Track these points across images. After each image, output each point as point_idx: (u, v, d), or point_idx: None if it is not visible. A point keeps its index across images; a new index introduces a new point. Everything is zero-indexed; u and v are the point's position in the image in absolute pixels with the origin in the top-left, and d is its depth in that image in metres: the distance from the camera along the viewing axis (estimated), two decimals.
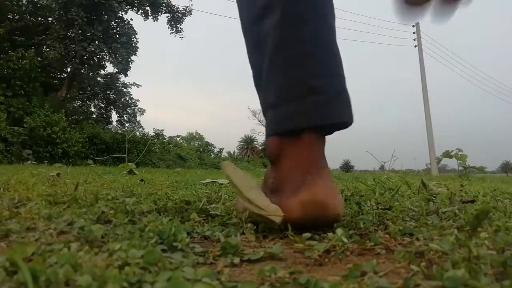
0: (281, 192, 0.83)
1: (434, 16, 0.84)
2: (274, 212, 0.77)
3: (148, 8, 16.06)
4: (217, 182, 2.39)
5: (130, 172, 3.64)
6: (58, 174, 2.46)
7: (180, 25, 16.63)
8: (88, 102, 21.33)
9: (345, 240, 0.69)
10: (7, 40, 14.34)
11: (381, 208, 1.10)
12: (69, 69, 15.75)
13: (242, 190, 0.80)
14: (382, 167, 3.15)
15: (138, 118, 23.44)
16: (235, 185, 0.83)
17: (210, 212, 1.01)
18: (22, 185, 1.79)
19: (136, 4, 15.79)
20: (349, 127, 0.92)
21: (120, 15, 15.48)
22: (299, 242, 0.71)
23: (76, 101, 19.74)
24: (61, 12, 13.90)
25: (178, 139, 37.81)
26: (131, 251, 0.54)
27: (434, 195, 1.45)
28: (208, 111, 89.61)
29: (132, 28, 16.02)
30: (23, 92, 12.72)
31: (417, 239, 0.73)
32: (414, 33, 21.12)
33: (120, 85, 21.71)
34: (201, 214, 0.99)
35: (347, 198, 1.38)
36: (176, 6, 16.35)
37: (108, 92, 21.54)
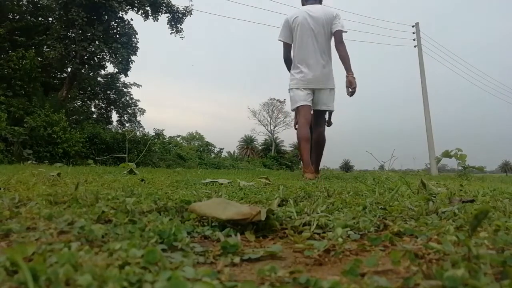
0: None
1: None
2: (253, 215, 0.81)
3: (148, 8, 16.03)
4: (217, 182, 2.39)
5: (131, 171, 3.63)
6: (58, 174, 2.46)
7: (180, 25, 16.60)
8: (88, 102, 21.31)
9: (346, 239, 0.69)
10: (7, 40, 14.32)
11: (381, 208, 1.10)
12: (69, 69, 15.71)
13: (218, 216, 0.83)
14: (381, 167, 3.15)
15: (139, 118, 23.47)
16: (210, 216, 0.86)
17: None
18: (23, 185, 1.80)
19: (136, 4, 15.75)
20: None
21: (121, 15, 15.44)
22: (298, 242, 0.71)
23: (77, 101, 19.73)
24: (62, 12, 13.87)
25: (178, 139, 37.84)
26: (132, 250, 0.54)
27: (434, 195, 1.45)
28: (208, 111, 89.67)
29: (133, 28, 15.99)
30: (23, 92, 12.70)
31: (417, 239, 0.73)
32: (414, 33, 21.10)
33: (120, 85, 21.70)
34: None
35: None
36: (176, 6, 16.34)
37: (108, 92, 21.53)
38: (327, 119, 4.54)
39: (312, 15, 3.71)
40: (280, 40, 3.86)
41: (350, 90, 3.61)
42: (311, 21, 3.69)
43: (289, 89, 3.81)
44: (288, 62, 3.91)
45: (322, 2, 4.00)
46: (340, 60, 3.67)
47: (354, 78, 3.58)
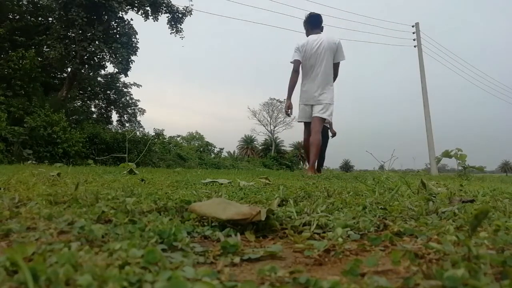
0: None
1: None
2: (253, 215, 0.81)
3: (148, 8, 16.01)
4: (217, 182, 2.39)
5: (131, 171, 3.63)
6: (58, 174, 2.46)
7: (180, 25, 16.59)
8: (88, 102, 21.29)
9: (346, 239, 0.69)
10: (7, 40, 14.31)
11: (381, 208, 1.10)
12: (69, 69, 15.68)
13: (218, 216, 0.83)
14: (381, 167, 3.15)
15: (139, 118, 23.46)
16: (210, 216, 0.86)
17: None
18: (23, 185, 1.80)
19: (136, 4, 15.75)
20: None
21: (121, 15, 15.42)
22: (298, 242, 0.71)
23: (77, 101, 19.70)
24: (61, 12, 13.85)
25: (178, 139, 37.84)
26: (132, 250, 0.54)
27: (434, 195, 1.45)
28: (208, 111, 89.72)
29: (133, 28, 15.98)
30: (23, 92, 12.68)
31: (417, 239, 0.73)
32: (414, 33, 21.09)
33: (120, 85, 21.69)
34: None
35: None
36: (176, 6, 16.33)
37: (108, 92, 21.52)
38: (329, 128, 5.74)
39: (319, 42, 4.61)
40: (292, 62, 4.73)
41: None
42: (316, 47, 4.60)
43: (299, 103, 4.85)
44: (295, 75, 4.71)
45: (323, 30, 4.90)
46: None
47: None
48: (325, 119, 4.66)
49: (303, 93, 4.73)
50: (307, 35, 4.85)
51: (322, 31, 4.84)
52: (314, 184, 2.32)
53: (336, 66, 4.68)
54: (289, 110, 4.82)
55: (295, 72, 4.68)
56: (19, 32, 14.74)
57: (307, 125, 4.75)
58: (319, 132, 4.60)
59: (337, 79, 4.79)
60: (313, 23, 4.82)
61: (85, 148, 12.91)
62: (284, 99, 4.86)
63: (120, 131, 18.77)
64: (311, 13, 4.93)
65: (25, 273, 0.41)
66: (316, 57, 4.58)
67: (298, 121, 4.85)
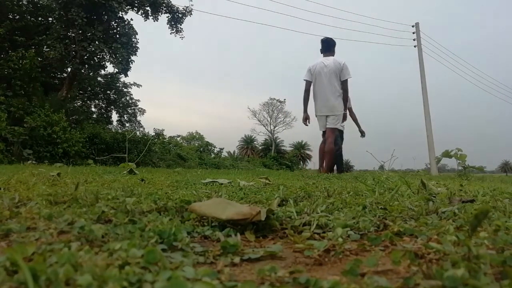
0: None
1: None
2: (253, 215, 0.81)
3: (148, 8, 16.02)
4: (217, 182, 2.39)
5: (131, 171, 3.63)
6: (58, 174, 2.46)
7: (180, 25, 16.60)
8: (88, 102, 21.29)
9: (346, 239, 0.69)
10: (7, 40, 14.31)
11: (381, 208, 1.10)
12: (69, 69, 15.67)
13: (218, 216, 0.83)
14: (381, 167, 3.15)
15: (139, 118, 23.45)
16: (210, 216, 0.86)
17: None
18: (23, 184, 1.80)
19: (136, 4, 15.75)
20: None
21: (120, 15, 15.42)
22: (298, 242, 0.71)
23: (77, 101, 19.68)
24: (61, 12, 13.86)
25: (178, 139, 37.84)
26: (132, 250, 0.54)
27: (434, 195, 1.45)
28: (208, 111, 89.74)
29: (132, 28, 15.99)
30: (23, 92, 12.68)
31: (417, 239, 0.73)
32: (414, 33, 21.09)
33: (120, 85, 21.70)
34: None
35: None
36: (176, 6, 16.34)
37: (108, 92, 21.52)
38: (358, 129, 6.73)
39: (326, 65, 5.57)
40: (304, 80, 5.73)
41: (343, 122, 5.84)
42: (325, 69, 5.55)
43: (316, 115, 5.83)
44: (306, 94, 5.73)
45: (335, 54, 5.78)
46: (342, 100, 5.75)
47: (346, 114, 5.68)
48: (335, 128, 5.58)
49: (317, 106, 5.66)
50: (321, 53, 5.88)
51: (333, 53, 5.74)
52: (314, 184, 2.32)
53: (344, 84, 5.52)
54: (307, 121, 5.80)
55: (305, 92, 5.72)
56: (19, 32, 14.74)
57: (324, 133, 5.69)
58: (332, 142, 5.53)
59: (349, 94, 5.61)
60: (325, 47, 5.76)
61: (85, 148, 12.90)
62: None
63: (120, 131, 18.77)
64: (323, 38, 5.82)
65: (25, 273, 0.41)
66: (324, 76, 5.52)
67: (321, 130, 5.78)
